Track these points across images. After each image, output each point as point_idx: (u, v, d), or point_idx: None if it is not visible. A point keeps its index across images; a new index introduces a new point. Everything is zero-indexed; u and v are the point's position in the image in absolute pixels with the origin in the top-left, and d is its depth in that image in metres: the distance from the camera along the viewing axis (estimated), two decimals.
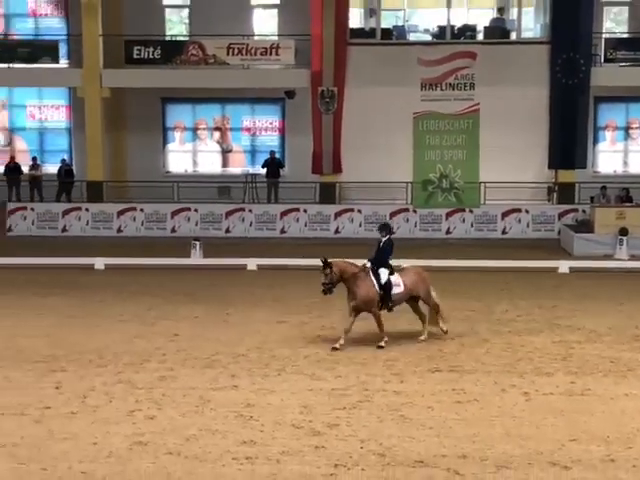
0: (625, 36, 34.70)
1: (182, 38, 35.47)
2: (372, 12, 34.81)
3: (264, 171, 33.95)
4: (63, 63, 34.74)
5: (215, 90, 33.79)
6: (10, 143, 36.47)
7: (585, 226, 29.56)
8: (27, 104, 36.40)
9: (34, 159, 34.79)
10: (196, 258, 26.59)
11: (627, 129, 35.41)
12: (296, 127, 34.60)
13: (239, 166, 36.02)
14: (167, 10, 36.12)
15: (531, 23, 35.76)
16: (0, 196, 33.41)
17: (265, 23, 36.17)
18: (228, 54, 33.13)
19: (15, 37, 35.71)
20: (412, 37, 34.76)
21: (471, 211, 32.30)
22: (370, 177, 31.95)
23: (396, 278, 16.55)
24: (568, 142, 32.44)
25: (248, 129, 36.15)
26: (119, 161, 35.33)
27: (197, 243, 26.87)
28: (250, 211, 32.68)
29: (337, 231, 32.14)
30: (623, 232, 27.83)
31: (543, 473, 10.48)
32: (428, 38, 34.60)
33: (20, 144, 36.48)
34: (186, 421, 12.28)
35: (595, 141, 34.90)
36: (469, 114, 32.71)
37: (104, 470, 10.55)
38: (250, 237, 31.75)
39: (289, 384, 14.07)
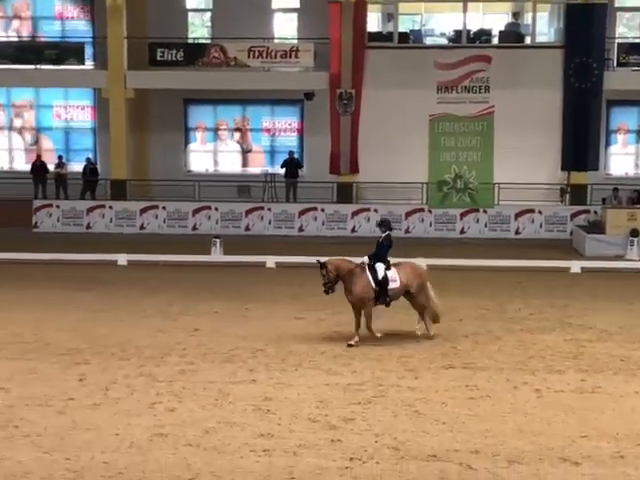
0: (637, 41, 34.45)
1: (204, 41, 35.53)
2: (390, 16, 34.79)
3: (283, 171, 33.94)
4: (89, 65, 34.88)
5: (236, 92, 33.81)
6: (37, 142, 36.61)
7: (597, 227, 29.45)
8: (53, 104, 36.52)
9: (60, 158, 34.91)
10: (216, 255, 26.62)
11: (639, 132, 35.21)
12: (314, 128, 34.61)
13: (259, 166, 36.03)
14: (190, 14, 36.17)
15: (545, 28, 35.66)
16: (27, 193, 33.52)
17: (285, 27, 36.17)
18: (249, 57, 33.16)
19: (42, 39, 35.83)
20: (429, 41, 34.70)
21: (485, 211, 32.22)
22: (386, 177, 31.93)
23: (393, 273, 16.41)
24: (581, 144, 32.34)
25: (268, 130, 36.17)
26: (142, 160, 35.41)
27: (217, 241, 26.90)
28: (269, 210, 32.71)
29: (354, 230, 32.11)
30: (634, 233, 27.69)
31: (554, 468, 10.46)
32: (444, 42, 34.55)
33: (46, 143, 36.62)
34: (205, 414, 12.31)
35: (607, 144, 34.73)
36: (484, 116, 32.63)
37: (125, 460, 10.59)
38: (269, 235, 31.77)
39: (306, 379, 14.07)
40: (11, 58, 34.03)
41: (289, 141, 35.96)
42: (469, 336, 17.16)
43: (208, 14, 36.12)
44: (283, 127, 36.08)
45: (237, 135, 36.40)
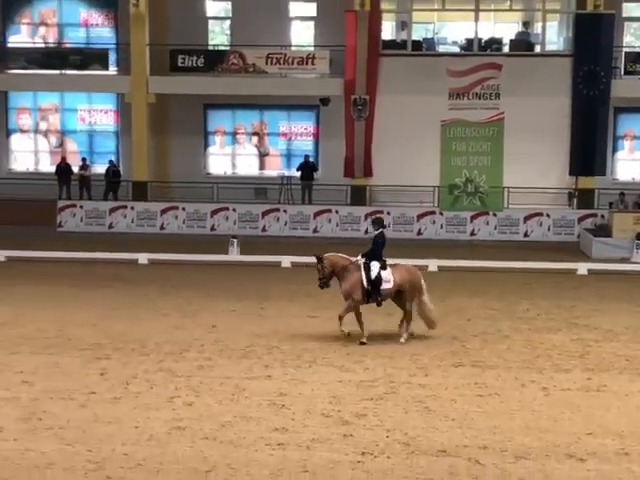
0: None
1: (224, 48, 35.55)
2: (403, 25, 34.74)
3: (299, 174, 33.93)
4: (112, 70, 34.95)
5: (254, 97, 33.83)
6: (62, 145, 36.72)
7: (604, 230, 29.34)
8: (78, 108, 36.61)
9: (84, 160, 35.00)
10: (234, 255, 26.65)
11: None
12: (329, 133, 34.60)
13: (275, 169, 36.05)
14: (210, 21, 36.21)
15: (555, 37, 35.55)
16: (52, 194, 33.65)
17: (302, 34, 36.19)
18: (267, 63, 33.18)
19: (68, 45, 35.95)
20: (441, 49, 34.63)
21: (495, 214, 32.13)
22: (399, 181, 31.89)
23: (387, 274, 16.18)
24: (588, 150, 32.22)
25: (284, 134, 36.17)
26: (163, 163, 35.47)
27: (235, 241, 26.93)
28: (285, 211, 32.71)
29: (367, 231, 31.96)
30: None
31: (560, 464, 10.42)
32: (456, 50, 34.49)
33: (71, 146, 36.72)
34: (222, 408, 12.32)
35: (614, 149, 34.61)
36: (494, 122, 32.55)
37: (144, 452, 10.61)
38: (285, 236, 31.76)
39: (319, 375, 14.07)
40: (38, 63, 34.20)
41: (305, 145, 35.96)
42: (478, 335, 17.13)
43: (228, 22, 36.15)
44: (299, 131, 36.08)
45: (255, 139, 36.42)
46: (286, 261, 25.81)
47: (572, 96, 32.33)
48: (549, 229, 31.89)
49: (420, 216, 32.08)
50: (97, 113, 36.58)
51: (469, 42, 33.82)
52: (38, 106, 36.72)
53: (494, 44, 33.92)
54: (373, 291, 16.10)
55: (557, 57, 33.29)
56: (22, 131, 36.89)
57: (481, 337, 16.98)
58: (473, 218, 32.16)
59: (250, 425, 11.61)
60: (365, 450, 10.75)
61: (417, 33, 35.11)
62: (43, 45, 36.20)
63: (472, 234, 32.03)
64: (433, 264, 25.32)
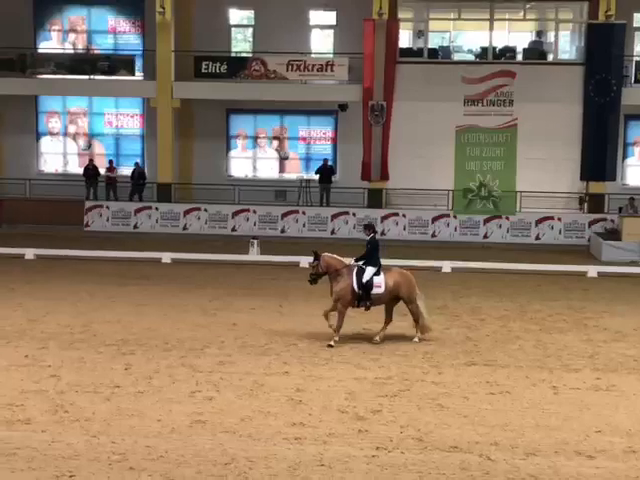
0: None
1: (246, 55, 35.57)
2: (420, 33, 34.68)
3: (317, 177, 33.94)
4: (138, 76, 35.07)
5: (275, 102, 33.86)
6: (89, 147, 36.87)
7: (613, 234, 29.19)
8: (105, 112, 36.74)
9: (110, 162, 35.12)
10: (254, 255, 26.65)
11: None
12: (347, 137, 34.59)
13: (295, 172, 36.05)
14: (233, 29, 36.25)
15: (567, 46, 35.42)
16: (79, 195, 33.80)
17: (322, 42, 36.17)
18: (287, 70, 33.19)
19: (96, 52, 36.08)
20: (457, 57, 34.56)
21: (507, 218, 32.03)
22: (414, 184, 31.89)
23: (379, 279, 16.02)
24: (599, 156, 32.09)
25: (304, 138, 36.18)
26: (186, 165, 35.55)
27: (255, 241, 26.93)
28: (304, 213, 32.72)
29: (383, 233, 31.88)
30: None
31: (569, 461, 10.39)
32: (471, 58, 34.38)
33: (98, 148, 36.85)
34: (241, 403, 12.34)
35: (624, 155, 34.41)
36: (508, 128, 32.47)
37: (166, 445, 10.64)
38: (303, 237, 31.73)
39: (336, 372, 14.07)
40: (67, 69, 34.33)
41: (323, 149, 35.94)
42: (490, 335, 17.09)
43: (250, 30, 36.18)
44: (318, 136, 36.08)
45: (275, 143, 36.44)
46: (304, 261, 25.70)
47: (583, 103, 32.21)
48: (560, 232, 31.75)
49: (435, 219, 32.03)
50: (124, 117, 36.69)
51: (484, 50, 33.73)
52: (67, 110, 36.86)
53: (508, 52, 33.82)
54: (364, 295, 15.98)
55: (569, 65, 33.15)
56: (51, 134, 37.05)
57: (493, 337, 16.94)
58: (486, 221, 32.07)
59: (268, 420, 11.63)
60: (379, 445, 10.75)
61: (433, 41, 35.06)
62: (72, 51, 36.33)
63: (485, 237, 31.94)
64: (447, 265, 25.30)
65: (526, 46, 34.29)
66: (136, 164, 35.01)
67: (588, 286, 23.41)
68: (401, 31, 33.68)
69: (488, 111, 32.54)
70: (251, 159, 36.51)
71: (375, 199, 33.06)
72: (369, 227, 16.85)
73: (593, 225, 31.40)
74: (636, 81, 32.70)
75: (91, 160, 35.14)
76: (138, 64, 35.02)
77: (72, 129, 37.04)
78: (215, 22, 34.93)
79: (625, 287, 23.29)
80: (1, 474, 9.71)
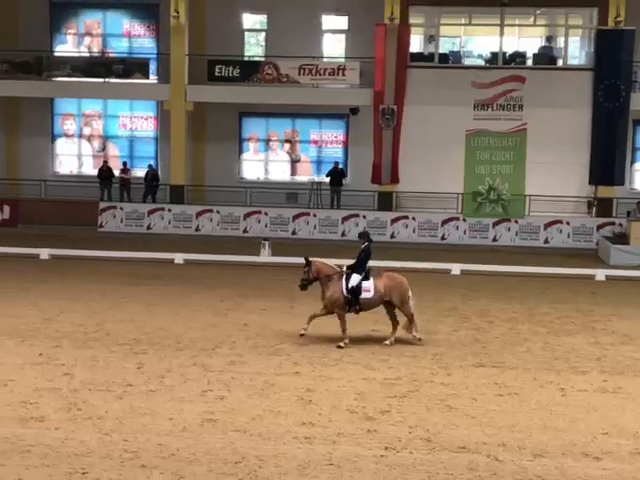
0: None
1: (259, 59, 35.61)
2: (431, 38, 34.66)
3: (328, 180, 33.94)
4: (153, 79, 35.11)
5: (287, 106, 33.90)
6: (104, 149, 36.97)
7: (621, 238, 29.11)
8: (119, 115, 36.83)
9: (124, 164, 35.21)
10: (265, 256, 26.66)
11: None
12: (358, 141, 34.57)
13: (306, 175, 36.07)
14: (246, 33, 36.28)
15: (577, 51, 35.32)
16: (94, 196, 33.90)
17: (334, 46, 36.17)
18: (299, 74, 33.21)
19: (111, 55, 36.19)
20: (467, 62, 34.47)
21: (516, 221, 31.96)
22: (424, 187, 31.86)
23: (368, 284, 15.97)
24: (608, 160, 31.99)
25: (315, 141, 36.19)
26: (199, 168, 35.60)
27: (266, 243, 26.92)
28: (315, 215, 32.73)
29: (393, 236, 32.03)
30: None
31: (576, 462, 10.37)
32: (482, 63, 34.30)
33: (112, 150, 36.95)
34: (252, 402, 12.35)
35: (633, 160, 34.29)
36: (517, 132, 32.42)
37: (178, 443, 10.66)
38: (314, 239, 31.73)
39: (346, 373, 14.07)
40: (82, 72, 34.38)
41: (334, 152, 35.95)
42: (499, 337, 17.06)
43: (263, 34, 36.22)
44: (329, 139, 36.09)
45: (287, 146, 36.47)
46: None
47: (593, 108, 32.13)
48: (569, 236, 31.67)
49: (444, 222, 31.98)
50: (138, 119, 36.78)
51: (494, 55, 33.67)
52: (82, 112, 36.96)
53: (518, 58, 33.76)
54: (353, 300, 15.96)
55: (579, 71, 33.06)
56: (67, 136, 37.17)
57: (501, 339, 16.91)
58: (495, 224, 32.01)
59: (279, 419, 11.64)
60: (388, 445, 10.75)
61: (444, 46, 35.04)
62: (88, 54, 36.44)
63: (494, 240, 31.87)
64: (456, 268, 25.27)
65: (536, 51, 34.22)
66: (149, 166, 35.10)
67: (596, 289, 23.34)
68: (412, 36, 33.58)
69: (498, 115, 32.51)
70: (263, 162, 36.54)
71: (385, 202, 33.04)
72: (364, 235, 16.82)
73: (601, 229, 31.32)
74: None
75: (105, 162, 35.24)
76: (152, 67, 35.08)
77: (87, 131, 37.15)
78: (228, 26, 34.99)
79: (633, 291, 23.22)
80: (15, 471, 9.75)
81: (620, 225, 30.40)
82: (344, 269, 16.23)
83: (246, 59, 35.55)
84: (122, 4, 36.08)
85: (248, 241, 29.87)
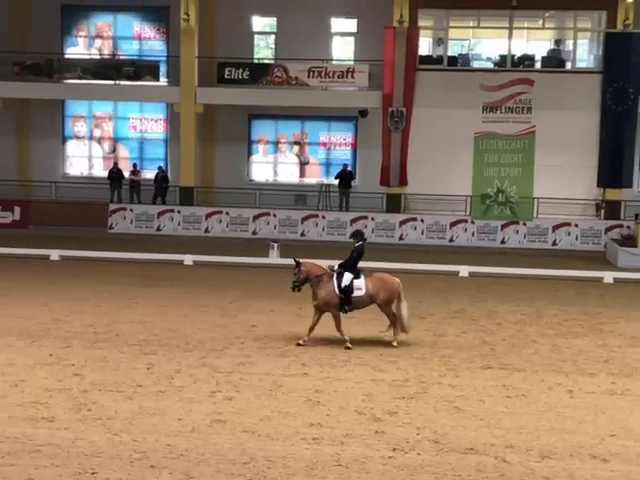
0: None
1: (268, 61, 35.68)
2: (440, 41, 34.68)
3: (337, 182, 33.95)
4: (163, 81, 35.23)
5: (296, 108, 33.94)
6: (114, 151, 37.06)
7: (629, 241, 29.03)
8: (130, 117, 36.94)
9: (134, 166, 35.30)
10: (274, 258, 26.66)
11: None
12: (367, 143, 34.60)
13: (315, 177, 36.09)
14: (256, 36, 36.35)
15: (585, 54, 35.30)
16: (104, 197, 33.97)
17: (343, 49, 36.22)
18: (309, 76, 33.25)
19: (121, 57, 36.29)
20: (476, 64, 34.51)
21: (525, 224, 31.93)
22: (433, 190, 31.88)
23: (359, 282, 15.94)
24: (616, 163, 31.98)
25: (324, 144, 36.21)
26: (209, 169, 35.66)
27: (275, 244, 26.94)
28: (323, 217, 32.75)
29: (401, 238, 32.03)
30: None
31: (583, 464, 10.34)
32: (490, 66, 34.32)
33: (123, 152, 37.04)
34: (261, 403, 12.35)
35: None
36: (525, 135, 32.41)
37: (187, 444, 10.66)
38: (322, 241, 31.76)
39: (354, 374, 14.06)
40: (93, 74, 34.50)
41: (343, 154, 35.97)
42: (507, 339, 17.02)
43: (272, 37, 36.28)
44: (338, 141, 36.11)
45: (296, 148, 36.50)
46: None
47: (601, 111, 32.12)
48: (577, 239, 31.63)
49: (453, 224, 31.97)
50: (148, 122, 36.87)
51: (503, 58, 33.69)
52: (93, 114, 37.09)
53: (527, 60, 33.75)
54: (344, 299, 15.91)
55: (587, 74, 33.04)
56: (77, 137, 37.28)
57: (509, 341, 16.88)
58: (503, 227, 31.98)
59: (287, 420, 11.64)
60: (396, 446, 10.73)
61: (453, 49, 35.03)
62: (98, 57, 36.57)
63: (502, 242, 31.84)
64: (464, 270, 25.24)
65: (544, 54, 34.22)
66: (159, 168, 35.16)
67: (604, 292, 23.29)
68: (421, 39, 33.66)
69: (506, 118, 32.50)
70: (272, 164, 36.58)
71: (394, 204, 33.03)
72: (356, 235, 16.80)
73: (609, 231, 31.27)
74: None
75: (116, 163, 35.32)
76: (162, 70, 35.20)
77: (97, 133, 37.26)
78: (238, 29, 35.05)
79: None
80: (25, 470, 9.77)
81: (628, 227, 30.34)
82: (335, 268, 16.19)
83: (256, 62, 35.62)
84: (132, 7, 36.16)
85: (257, 243, 29.90)
